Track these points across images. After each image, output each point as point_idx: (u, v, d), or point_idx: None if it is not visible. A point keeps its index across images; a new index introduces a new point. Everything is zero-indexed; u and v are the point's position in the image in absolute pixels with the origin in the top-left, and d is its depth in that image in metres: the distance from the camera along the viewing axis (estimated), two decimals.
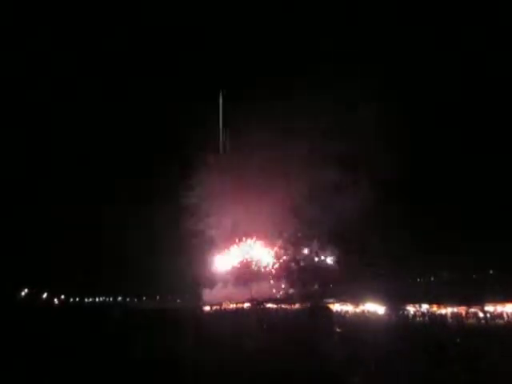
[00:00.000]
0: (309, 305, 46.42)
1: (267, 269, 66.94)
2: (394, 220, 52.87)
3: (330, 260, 64.69)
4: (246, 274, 65.61)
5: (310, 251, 65.16)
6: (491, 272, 46.55)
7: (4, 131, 56.14)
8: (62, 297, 64.01)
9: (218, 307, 61.02)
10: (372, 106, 53.48)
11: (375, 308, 46.00)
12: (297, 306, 54.48)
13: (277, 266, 66.88)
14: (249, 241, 68.57)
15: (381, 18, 54.53)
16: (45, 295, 61.74)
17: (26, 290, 59.27)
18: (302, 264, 65.34)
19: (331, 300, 50.68)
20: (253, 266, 67.33)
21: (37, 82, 58.85)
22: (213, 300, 62.50)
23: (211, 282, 66.20)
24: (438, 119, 54.15)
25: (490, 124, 50.16)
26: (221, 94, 67.02)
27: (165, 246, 60.00)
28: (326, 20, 57.24)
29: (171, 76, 65.59)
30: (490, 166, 49.76)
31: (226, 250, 69.03)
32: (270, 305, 57.21)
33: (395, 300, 44.65)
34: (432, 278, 52.32)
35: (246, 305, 59.17)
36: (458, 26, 50.69)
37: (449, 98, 52.09)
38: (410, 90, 53.51)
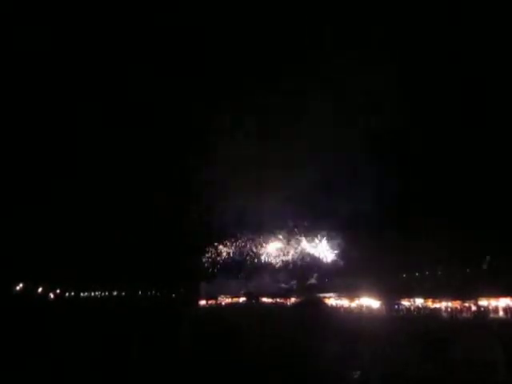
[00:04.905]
0: (303, 299, 46.73)
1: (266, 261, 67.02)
2: (392, 216, 53.05)
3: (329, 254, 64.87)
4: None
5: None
6: (485, 267, 46.96)
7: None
8: (58, 291, 63.87)
9: (213, 301, 61.19)
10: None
11: (370, 302, 46.49)
12: (292, 300, 54.87)
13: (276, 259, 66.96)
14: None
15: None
16: (40, 289, 61.58)
17: (21, 285, 59.13)
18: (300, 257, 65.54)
19: (326, 294, 51.06)
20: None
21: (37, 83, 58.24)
22: (208, 294, 62.59)
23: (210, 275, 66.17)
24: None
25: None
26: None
27: (162, 238, 59.94)
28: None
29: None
30: (489, 166, 49.91)
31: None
32: (265, 299, 57.53)
33: (390, 294, 45.10)
34: (427, 273, 52.74)
35: (242, 299, 59.44)
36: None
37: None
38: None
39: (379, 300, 45.49)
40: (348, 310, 46.85)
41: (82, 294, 66.19)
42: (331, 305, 49.13)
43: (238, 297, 60.63)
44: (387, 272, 51.55)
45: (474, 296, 38.16)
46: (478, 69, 49.71)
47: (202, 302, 61.35)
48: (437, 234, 45.99)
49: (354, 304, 48.57)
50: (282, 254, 67.75)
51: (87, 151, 63.07)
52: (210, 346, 18.61)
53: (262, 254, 68.13)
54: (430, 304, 42.46)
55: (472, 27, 48.36)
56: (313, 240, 66.30)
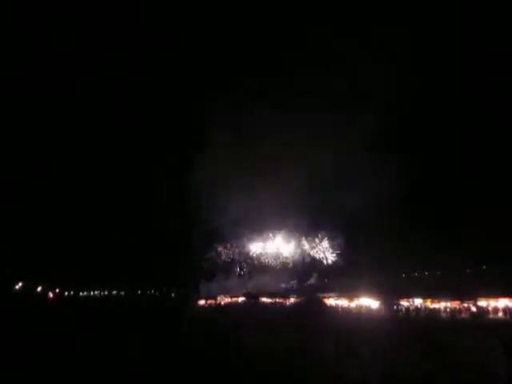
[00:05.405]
0: (303, 299, 46.82)
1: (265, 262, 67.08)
2: (392, 216, 53.06)
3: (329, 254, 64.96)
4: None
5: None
6: (484, 267, 47.04)
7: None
8: (57, 290, 63.84)
9: (213, 301, 61.15)
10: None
11: (369, 302, 46.45)
12: (292, 300, 54.88)
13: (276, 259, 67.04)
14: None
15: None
16: (39, 289, 61.57)
17: (20, 284, 59.11)
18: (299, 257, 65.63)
19: (326, 294, 51.07)
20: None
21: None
22: (208, 293, 62.59)
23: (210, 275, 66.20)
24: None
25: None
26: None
27: (162, 238, 60.05)
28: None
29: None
30: (489, 166, 49.82)
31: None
32: (264, 299, 57.49)
33: (389, 295, 45.10)
34: (426, 273, 52.80)
35: (241, 299, 59.41)
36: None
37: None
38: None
39: (378, 300, 45.48)
40: (347, 310, 46.84)
41: (81, 294, 66.19)
42: (331, 305, 49.12)
43: (238, 297, 60.59)
44: (386, 272, 51.62)
45: (474, 296, 38.17)
46: (478, 69, 49.81)
47: (202, 302, 61.32)
48: (437, 234, 46.09)
49: (354, 304, 48.53)
50: (281, 254, 67.84)
51: (86, 152, 63.08)
52: (209, 345, 18.60)
53: (262, 255, 68.23)
54: (429, 304, 42.45)
55: (472, 27, 48.42)
56: (313, 240, 66.40)
